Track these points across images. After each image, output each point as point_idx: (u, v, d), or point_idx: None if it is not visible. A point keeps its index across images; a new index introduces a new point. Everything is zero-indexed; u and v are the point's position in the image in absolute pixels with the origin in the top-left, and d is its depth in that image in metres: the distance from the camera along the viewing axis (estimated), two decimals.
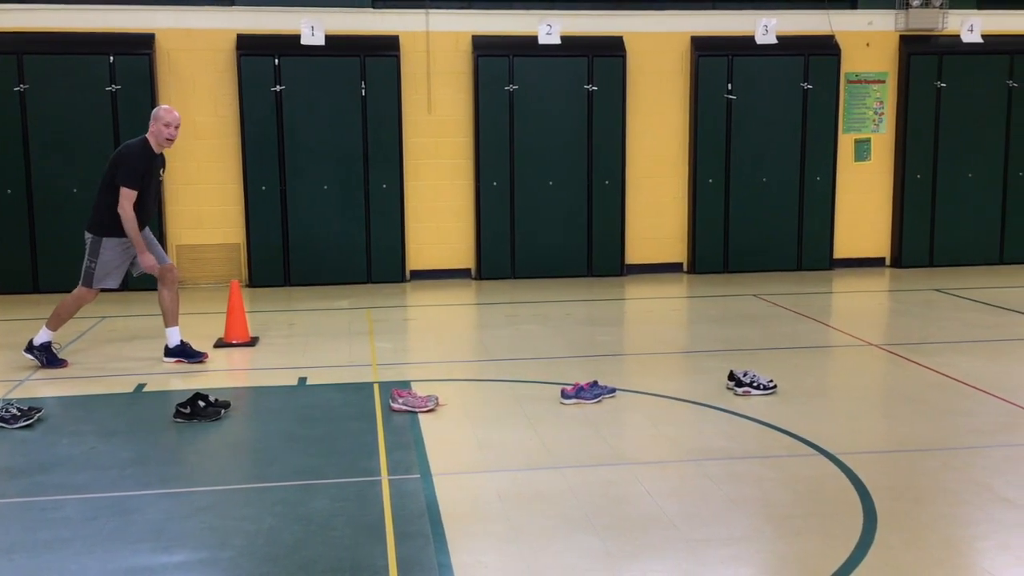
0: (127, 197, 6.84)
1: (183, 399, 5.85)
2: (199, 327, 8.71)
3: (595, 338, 8.17)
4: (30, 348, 7.13)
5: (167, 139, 7.04)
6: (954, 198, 11.63)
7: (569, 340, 8.03)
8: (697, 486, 4.71)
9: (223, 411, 5.87)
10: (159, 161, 7.18)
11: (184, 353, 7.30)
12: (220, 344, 7.86)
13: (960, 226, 11.67)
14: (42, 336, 7.12)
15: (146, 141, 7.05)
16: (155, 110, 7.13)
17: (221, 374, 7.13)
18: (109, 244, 7.02)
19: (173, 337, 7.32)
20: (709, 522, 4.27)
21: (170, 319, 7.32)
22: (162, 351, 7.37)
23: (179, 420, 5.76)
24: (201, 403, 5.80)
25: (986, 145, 11.59)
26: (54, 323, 7.17)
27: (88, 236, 7.08)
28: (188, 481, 4.90)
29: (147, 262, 6.99)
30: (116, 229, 6.94)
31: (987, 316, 8.82)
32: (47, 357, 7.12)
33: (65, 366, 7.13)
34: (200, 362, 7.26)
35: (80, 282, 7.12)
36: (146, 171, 6.99)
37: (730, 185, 11.32)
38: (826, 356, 7.61)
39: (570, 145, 11.05)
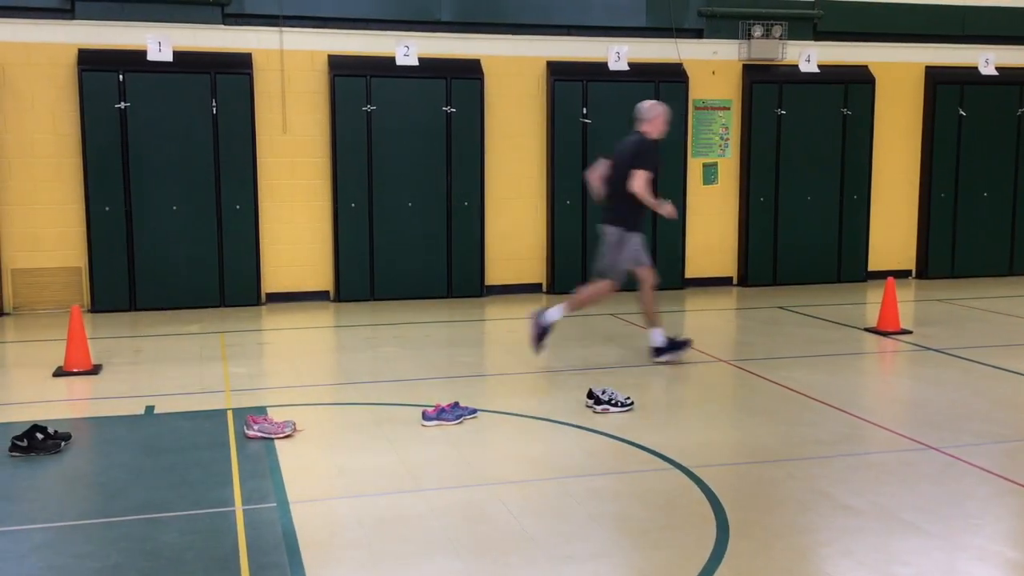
0: (646, 179, 7.49)
1: (19, 432, 5.50)
2: (35, 355, 8.26)
3: (456, 359, 8.17)
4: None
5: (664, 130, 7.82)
6: (795, 220, 12.22)
7: (429, 362, 7.99)
8: (558, 504, 4.75)
9: (63, 443, 5.55)
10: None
11: (673, 346, 7.70)
12: (60, 373, 7.45)
13: (801, 246, 12.27)
14: (553, 313, 7.60)
15: (646, 134, 7.69)
16: (653, 108, 7.72)
17: (61, 404, 6.75)
18: (635, 239, 7.66)
19: (658, 337, 7.71)
20: (570, 539, 4.31)
21: (654, 320, 7.75)
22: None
23: (15, 454, 5.41)
24: (39, 435, 5.47)
25: (823, 169, 12.25)
26: (573, 306, 7.77)
27: (613, 231, 7.63)
28: (24, 518, 4.60)
29: (667, 210, 7.68)
30: (640, 224, 7.72)
31: (825, 332, 9.29)
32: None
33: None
34: (688, 347, 7.76)
35: (603, 276, 7.70)
36: (658, 159, 7.82)
37: (587, 206, 11.54)
38: (680, 372, 7.83)
39: (429, 166, 11.05)
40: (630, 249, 7.72)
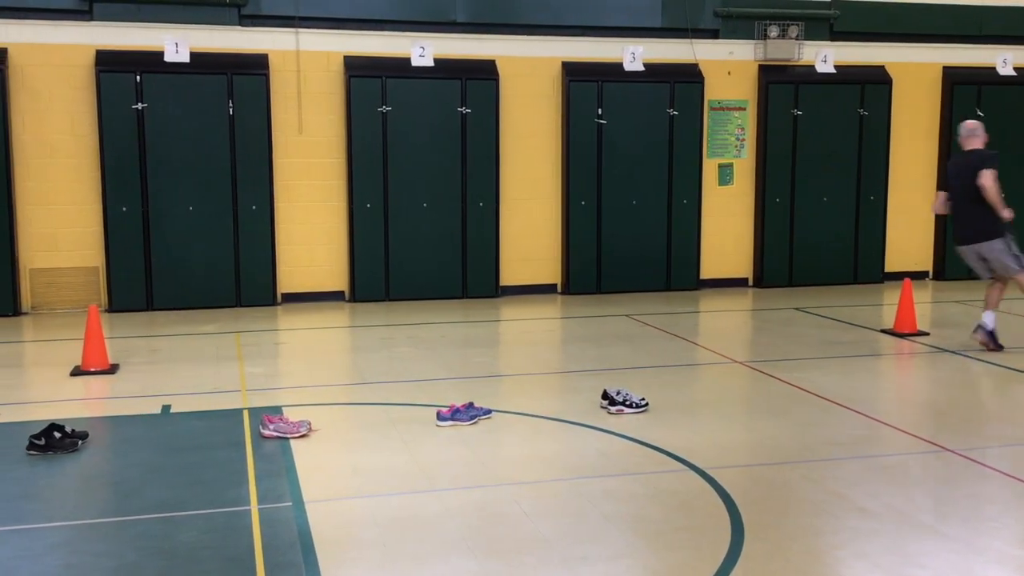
0: (994, 176, 8.13)
1: (37, 430, 5.54)
2: (53, 354, 8.32)
3: (470, 360, 8.17)
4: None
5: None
6: (811, 221, 12.18)
7: (444, 362, 8.00)
8: (572, 505, 4.75)
9: (80, 442, 5.59)
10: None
11: (993, 338, 8.23)
12: (77, 372, 7.50)
13: (817, 247, 12.22)
14: (988, 320, 8.26)
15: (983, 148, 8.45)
16: (978, 125, 8.51)
17: (78, 403, 6.80)
18: (998, 243, 8.27)
19: (990, 320, 8.27)
20: (585, 540, 4.31)
21: (992, 304, 8.37)
22: (12, 380, 6.97)
23: (33, 453, 5.45)
24: (57, 434, 5.51)
25: (840, 170, 12.20)
26: (993, 305, 8.34)
27: (980, 246, 8.31)
28: (42, 517, 4.63)
29: (1007, 214, 8.17)
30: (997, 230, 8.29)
31: (842, 333, 9.25)
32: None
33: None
34: (998, 350, 8.22)
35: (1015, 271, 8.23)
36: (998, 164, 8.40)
37: (602, 207, 11.54)
38: (695, 374, 7.82)
39: (444, 167, 11.07)
40: (1006, 249, 8.32)
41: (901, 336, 8.94)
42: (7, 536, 4.35)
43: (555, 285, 11.75)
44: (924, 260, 12.85)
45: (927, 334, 9.00)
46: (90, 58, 10.17)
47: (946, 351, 8.36)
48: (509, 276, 11.53)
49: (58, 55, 10.14)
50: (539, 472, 5.27)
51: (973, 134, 8.51)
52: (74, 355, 7.83)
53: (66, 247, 10.36)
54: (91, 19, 10.25)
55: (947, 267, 12.66)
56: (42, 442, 5.47)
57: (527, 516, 4.58)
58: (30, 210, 10.21)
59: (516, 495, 4.85)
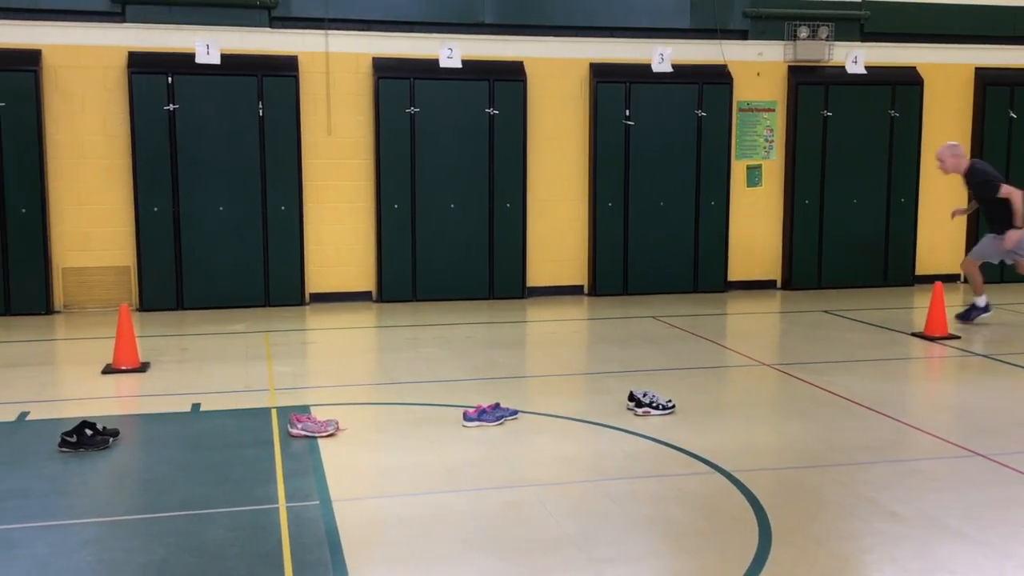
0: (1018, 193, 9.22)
1: (69, 428, 5.61)
2: (84, 352, 8.42)
3: (497, 360, 8.18)
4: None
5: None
6: (840, 222, 12.08)
7: (471, 363, 8.02)
8: (598, 506, 4.74)
9: (111, 440, 5.66)
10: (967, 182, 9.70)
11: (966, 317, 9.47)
12: (108, 370, 7.58)
13: (846, 250, 12.13)
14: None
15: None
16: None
17: (109, 401, 6.88)
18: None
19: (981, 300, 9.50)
20: (610, 542, 4.31)
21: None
22: (45, 378, 7.06)
23: (65, 450, 5.52)
24: (88, 432, 5.58)
25: (870, 172, 12.10)
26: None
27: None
28: (74, 513, 4.70)
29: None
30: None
31: (872, 336, 9.17)
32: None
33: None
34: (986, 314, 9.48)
35: None
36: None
37: (629, 209, 11.52)
38: (721, 376, 7.78)
39: (471, 168, 11.09)
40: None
41: (931, 339, 8.86)
42: (40, 532, 4.41)
43: (581, 286, 11.74)
44: (956, 263, 12.68)
45: (958, 337, 8.91)
46: (122, 60, 10.29)
47: (977, 355, 8.27)
48: (536, 277, 11.53)
49: (91, 56, 10.26)
50: (565, 473, 5.27)
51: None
52: (105, 353, 7.92)
53: (98, 247, 10.48)
54: (123, 21, 10.37)
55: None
56: (74, 439, 5.54)
57: (552, 517, 4.58)
58: (63, 210, 10.34)
59: (542, 496, 4.85)
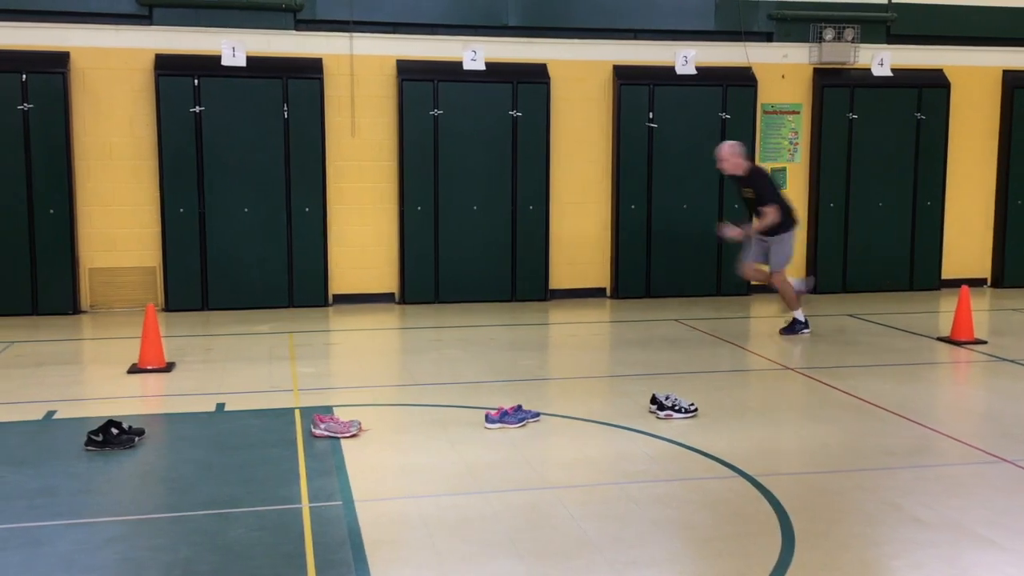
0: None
1: (95, 427, 5.67)
2: (111, 352, 8.49)
3: (519, 363, 8.18)
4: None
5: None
6: (866, 226, 11.99)
7: (493, 365, 8.02)
8: (620, 509, 4.73)
9: (137, 439, 5.71)
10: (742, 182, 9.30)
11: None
12: (134, 370, 7.65)
13: (872, 253, 12.03)
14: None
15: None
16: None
17: (135, 401, 6.94)
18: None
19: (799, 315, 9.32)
20: (633, 545, 4.30)
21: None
22: (71, 378, 7.13)
23: (91, 448, 5.58)
24: (114, 431, 5.63)
25: (896, 175, 12.00)
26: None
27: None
28: (100, 511, 4.74)
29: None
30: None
31: (896, 340, 9.10)
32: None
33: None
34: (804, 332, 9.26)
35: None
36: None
37: (652, 211, 11.49)
38: (745, 379, 7.74)
39: (494, 170, 11.10)
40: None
41: (958, 344, 8.77)
42: (66, 529, 4.45)
43: (604, 289, 11.72)
44: (982, 267, 12.59)
45: (985, 342, 8.82)
46: (149, 62, 10.38)
47: (1004, 360, 8.19)
48: (558, 279, 11.53)
49: (118, 59, 10.36)
50: (587, 475, 5.26)
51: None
52: (131, 353, 7.99)
53: (124, 247, 10.58)
54: (151, 24, 10.46)
55: (1006, 274, 12.39)
56: (100, 438, 5.59)
57: (574, 519, 4.57)
58: (90, 211, 10.44)
59: (563, 498, 4.85)
